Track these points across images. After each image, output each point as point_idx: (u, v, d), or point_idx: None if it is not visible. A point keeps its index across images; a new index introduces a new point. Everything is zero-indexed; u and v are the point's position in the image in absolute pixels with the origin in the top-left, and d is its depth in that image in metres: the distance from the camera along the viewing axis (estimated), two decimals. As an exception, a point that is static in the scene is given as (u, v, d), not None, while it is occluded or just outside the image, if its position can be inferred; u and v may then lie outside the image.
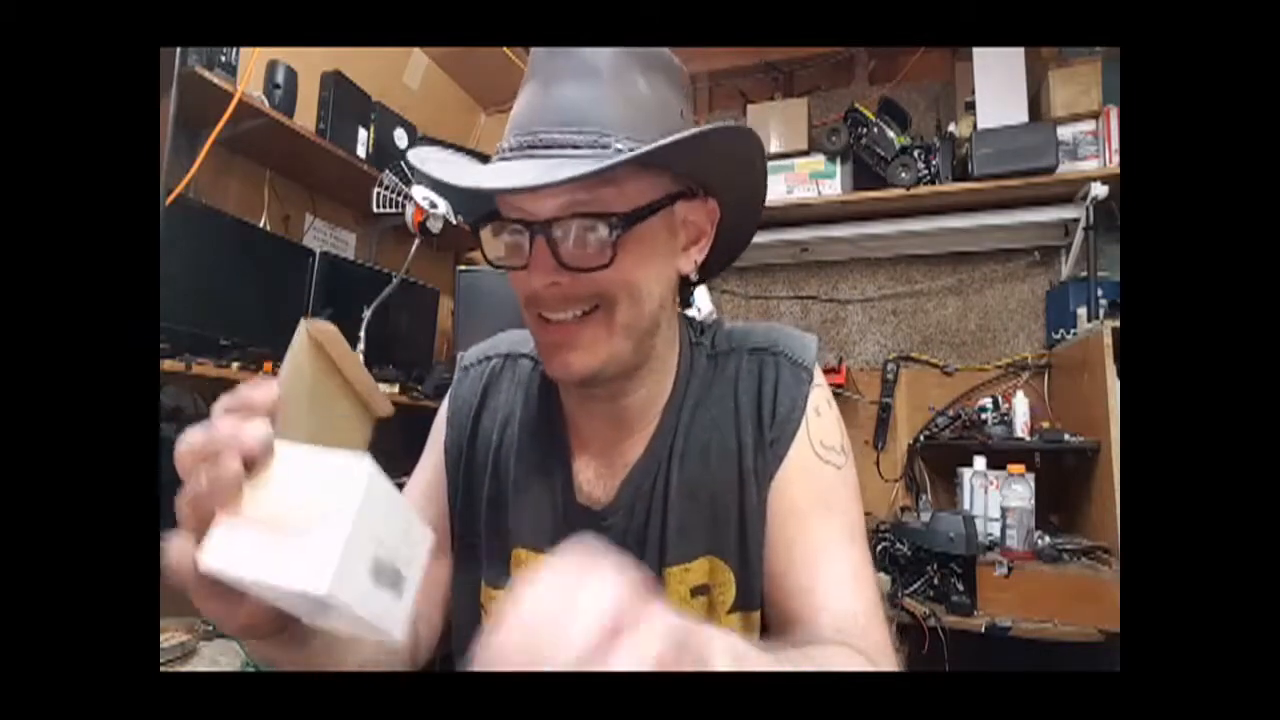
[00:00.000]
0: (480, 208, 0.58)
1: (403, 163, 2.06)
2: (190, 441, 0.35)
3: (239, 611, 0.36)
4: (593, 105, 0.52)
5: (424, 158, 0.57)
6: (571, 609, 0.27)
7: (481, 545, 0.65)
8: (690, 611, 0.59)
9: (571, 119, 0.52)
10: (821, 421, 0.61)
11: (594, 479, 0.63)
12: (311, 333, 0.41)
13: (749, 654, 0.36)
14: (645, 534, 0.60)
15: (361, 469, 0.32)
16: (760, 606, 0.59)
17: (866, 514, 1.75)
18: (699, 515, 0.60)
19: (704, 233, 0.60)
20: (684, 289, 0.65)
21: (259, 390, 0.36)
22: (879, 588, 0.57)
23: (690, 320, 0.68)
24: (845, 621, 0.52)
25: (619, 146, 0.51)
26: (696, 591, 0.59)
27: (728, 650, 0.33)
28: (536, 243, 0.52)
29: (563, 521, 0.63)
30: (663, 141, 0.49)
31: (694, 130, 0.50)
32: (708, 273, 0.67)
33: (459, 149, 0.58)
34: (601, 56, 0.54)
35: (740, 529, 0.59)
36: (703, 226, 0.60)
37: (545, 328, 0.56)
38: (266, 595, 0.34)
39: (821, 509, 0.58)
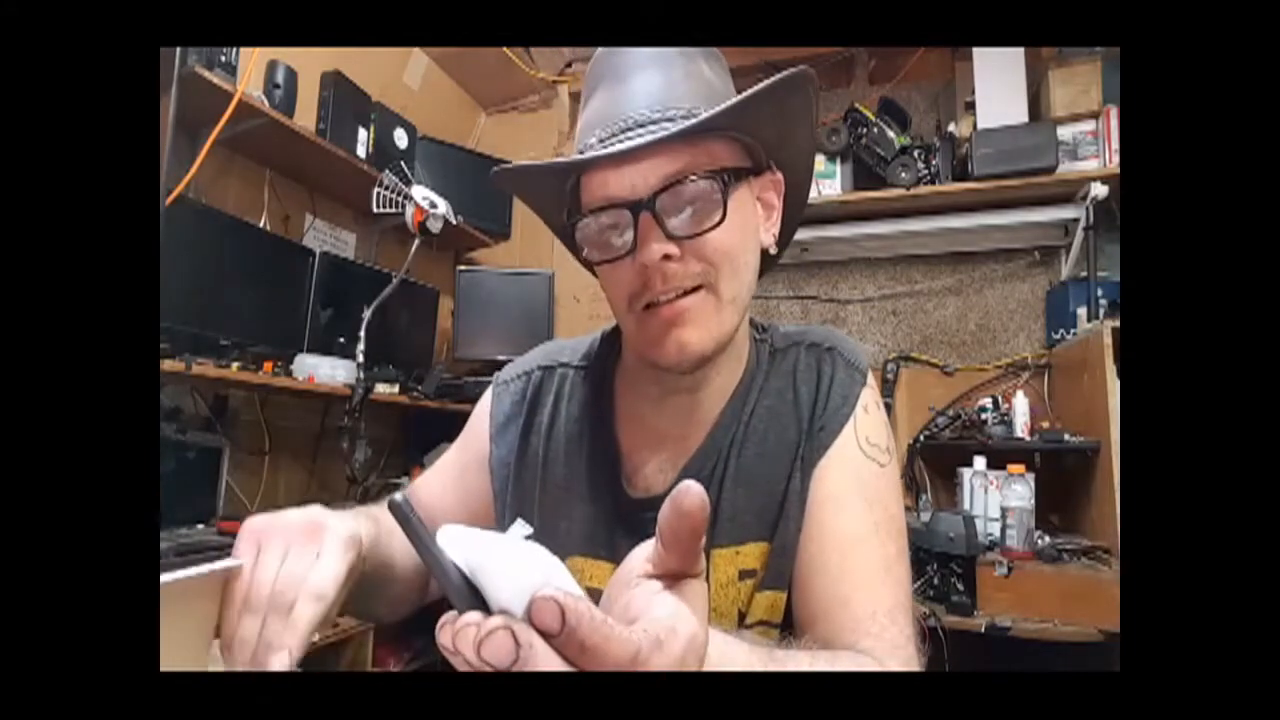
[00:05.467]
0: (562, 208, 0.61)
1: (402, 163, 2.07)
2: None
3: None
4: (675, 86, 0.55)
5: (518, 168, 0.60)
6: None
7: None
8: (732, 593, 0.60)
9: (658, 101, 0.54)
10: (870, 419, 0.62)
11: (654, 471, 0.64)
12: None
13: (737, 658, 0.37)
14: None
15: None
16: (788, 588, 0.60)
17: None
18: (754, 501, 0.61)
19: (774, 206, 0.63)
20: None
21: None
22: (910, 586, 0.58)
23: (751, 319, 0.69)
24: (865, 617, 0.53)
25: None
26: (745, 575, 0.60)
27: (709, 656, 0.34)
28: (643, 219, 0.53)
29: (616, 519, 0.63)
30: (761, 86, 0.52)
31: (769, 81, 0.52)
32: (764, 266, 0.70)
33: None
34: (668, 49, 0.57)
35: (781, 510, 0.60)
36: (771, 200, 0.62)
37: (653, 313, 0.56)
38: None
39: (860, 501, 0.58)
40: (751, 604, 0.60)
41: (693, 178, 0.53)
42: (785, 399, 0.63)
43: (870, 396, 0.63)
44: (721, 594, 0.59)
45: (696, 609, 0.30)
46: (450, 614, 0.26)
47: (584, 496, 0.65)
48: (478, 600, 0.28)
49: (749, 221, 0.58)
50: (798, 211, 0.69)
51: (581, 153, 0.56)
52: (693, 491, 0.28)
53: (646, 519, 0.61)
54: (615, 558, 0.62)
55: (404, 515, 0.30)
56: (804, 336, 0.67)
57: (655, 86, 0.55)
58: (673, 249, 0.53)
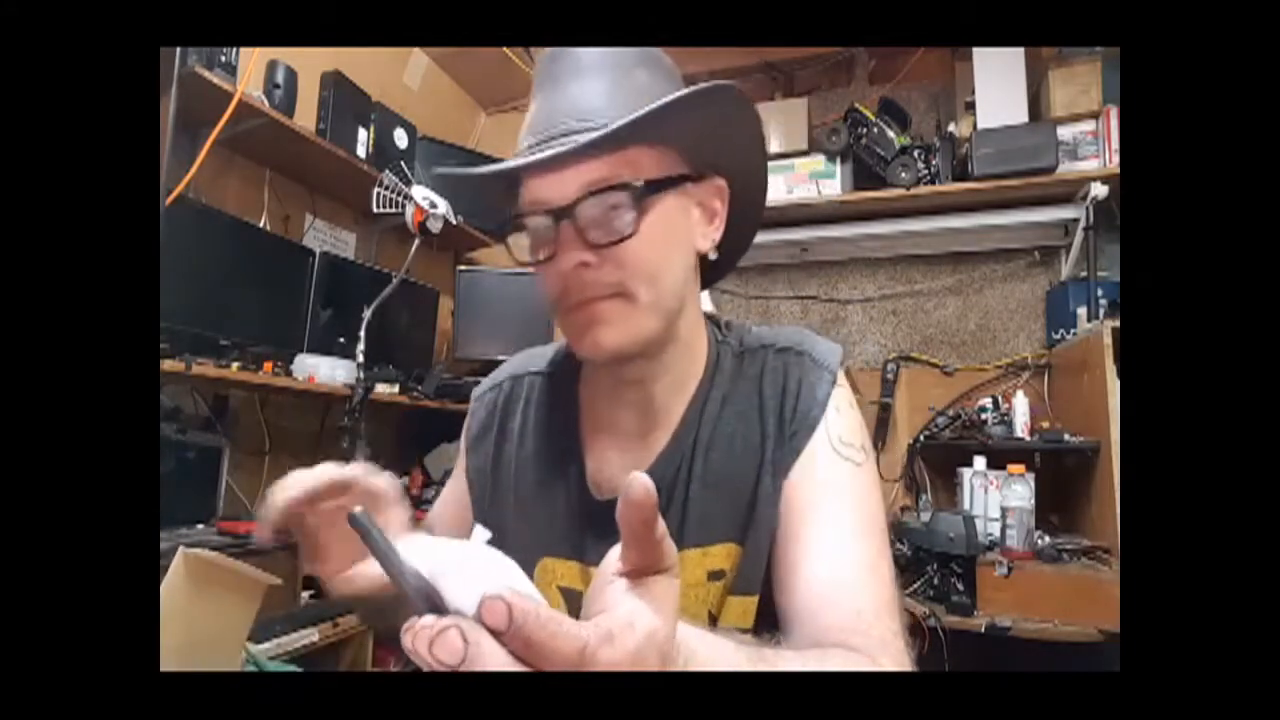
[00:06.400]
0: (504, 215, 0.62)
1: (402, 163, 2.07)
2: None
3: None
4: (600, 97, 0.56)
5: (447, 170, 0.62)
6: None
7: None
8: (701, 594, 0.60)
9: (582, 111, 0.55)
10: (842, 418, 0.62)
11: (619, 472, 0.64)
12: (188, 561, 0.57)
13: (724, 658, 0.37)
14: (665, 519, 0.61)
15: None
16: (760, 592, 0.60)
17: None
18: (721, 503, 0.61)
19: (717, 212, 0.63)
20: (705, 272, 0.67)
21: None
22: (894, 584, 0.57)
23: (715, 319, 0.69)
24: (849, 617, 0.52)
25: None
26: (714, 576, 0.60)
27: (697, 654, 0.34)
28: (562, 227, 0.55)
29: (582, 520, 0.64)
30: (667, 99, 0.51)
31: (691, 89, 0.52)
32: (720, 268, 0.69)
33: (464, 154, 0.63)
34: (602, 54, 0.57)
35: (750, 514, 0.60)
36: (714, 206, 0.62)
37: (574, 311, 0.58)
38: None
39: (836, 503, 0.58)
40: (723, 608, 0.60)
41: (607, 192, 0.54)
42: (751, 402, 0.63)
43: (842, 396, 0.63)
44: (690, 595, 0.60)
45: (662, 605, 0.30)
46: (414, 618, 0.27)
47: (552, 499, 0.66)
48: (438, 605, 0.30)
49: (676, 229, 0.59)
50: (751, 218, 0.68)
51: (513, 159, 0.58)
52: (638, 482, 0.28)
53: (610, 517, 0.61)
54: (584, 558, 0.63)
55: (363, 527, 0.31)
56: (774, 339, 0.66)
57: (584, 95, 0.56)
58: (588, 257, 0.55)
